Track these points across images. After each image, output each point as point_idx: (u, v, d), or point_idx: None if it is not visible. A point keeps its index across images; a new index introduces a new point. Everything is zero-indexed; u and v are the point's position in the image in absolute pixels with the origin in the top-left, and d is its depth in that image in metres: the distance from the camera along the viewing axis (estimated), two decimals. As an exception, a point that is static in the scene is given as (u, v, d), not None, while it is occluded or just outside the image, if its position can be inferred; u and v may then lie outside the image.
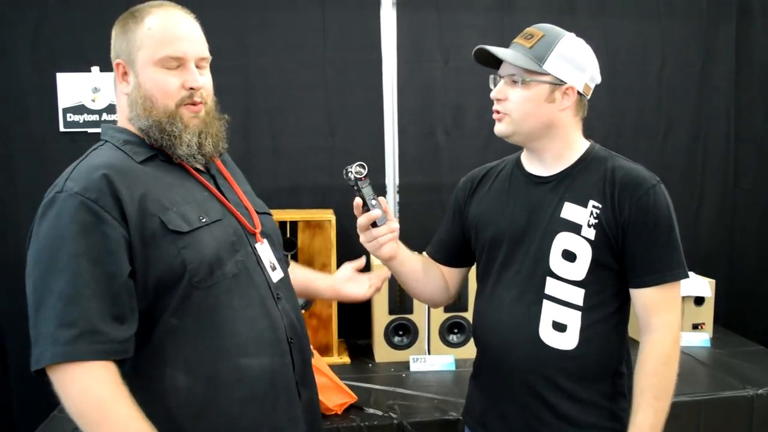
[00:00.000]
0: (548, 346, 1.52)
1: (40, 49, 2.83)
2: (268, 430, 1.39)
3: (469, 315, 2.70)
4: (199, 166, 1.45)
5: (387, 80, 3.03)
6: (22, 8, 2.80)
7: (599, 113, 3.01)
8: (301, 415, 1.46)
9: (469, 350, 2.73)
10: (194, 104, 1.40)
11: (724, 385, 2.41)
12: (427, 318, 2.74)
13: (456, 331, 2.76)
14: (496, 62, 1.60)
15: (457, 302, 2.63)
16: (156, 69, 1.36)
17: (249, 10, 2.91)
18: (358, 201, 1.51)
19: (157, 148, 1.39)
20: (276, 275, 1.48)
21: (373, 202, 1.51)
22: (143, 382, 1.29)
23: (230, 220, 1.43)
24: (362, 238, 1.56)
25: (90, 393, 1.21)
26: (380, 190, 3.00)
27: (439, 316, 2.73)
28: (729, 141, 3.34)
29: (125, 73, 1.39)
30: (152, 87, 1.36)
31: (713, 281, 2.91)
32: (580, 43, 1.56)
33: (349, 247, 2.91)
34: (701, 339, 2.85)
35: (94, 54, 2.84)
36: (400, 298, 2.70)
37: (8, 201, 2.86)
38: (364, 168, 1.50)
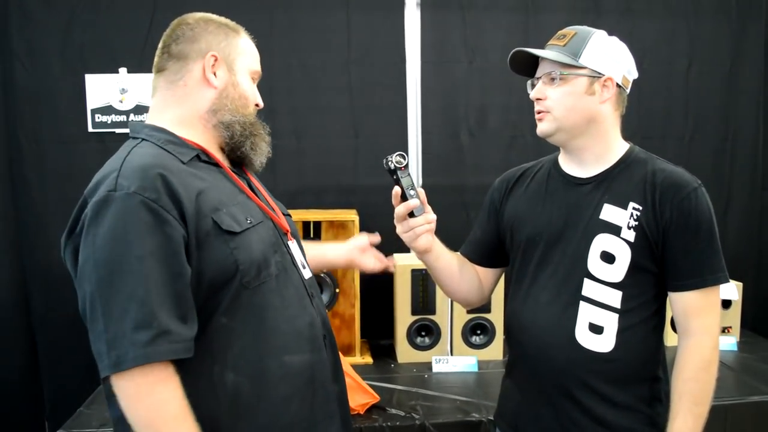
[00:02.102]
0: (584, 348, 1.51)
1: (69, 50, 2.88)
2: (307, 426, 1.42)
3: (491, 316, 2.71)
4: (236, 168, 1.50)
5: (411, 81, 3.03)
6: (51, 10, 2.85)
7: (625, 114, 2.98)
8: (336, 409, 1.49)
9: (492, 351, 2.74)
10: None
11: (751, 390, 2.38)
12: (449, 319, 2.74)
13: (479, 332, 2.76)
14: (530, 70, 1.61)
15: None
16: (249, 78, 1.50)
17: (274, 12, 2.94)
18: (396, 190, 1.51)
19: (197, 147, 1.41)
20: (306, 274, 1.52)
21: (412, 192, 1.51)
22: (192, 380, 1.29)
23: (268, 221, 1.46)
24: (399, 229, 1.55)
25: (157, 397, 1.21)
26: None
27: (462, 317, 2.72)
28: (757, 143, 3.29)
29: (213, 65, 1.44)
30: (248, 90, 1.49)
31: (740, 284, 2.87)
32: (614, 38, 1.57)
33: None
34: (728, 343, 2.81)
35: (122, 56, 2.89)
36: (423, 298, 2.71)
37: (39, 200, 2.92)
38: (404, 158, 1.51)
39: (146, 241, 1.22)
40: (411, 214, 1.52)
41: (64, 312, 2.93)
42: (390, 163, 1.50)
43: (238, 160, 1.50)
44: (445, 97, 3.07)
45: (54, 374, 3.02)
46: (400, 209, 1.52)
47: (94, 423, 2.17)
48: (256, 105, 1.52)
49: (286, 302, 1.41)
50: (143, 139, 1.40)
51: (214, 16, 1.49)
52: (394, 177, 1.51)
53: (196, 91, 1.44)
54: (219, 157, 1.46)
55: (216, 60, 1.44)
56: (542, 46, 1.60)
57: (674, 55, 3.17)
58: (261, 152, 1.51)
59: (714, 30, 3.18)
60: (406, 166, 1.51)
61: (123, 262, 1.21)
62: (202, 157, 1.42)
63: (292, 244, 1.51)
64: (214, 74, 1.44)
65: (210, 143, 1.45)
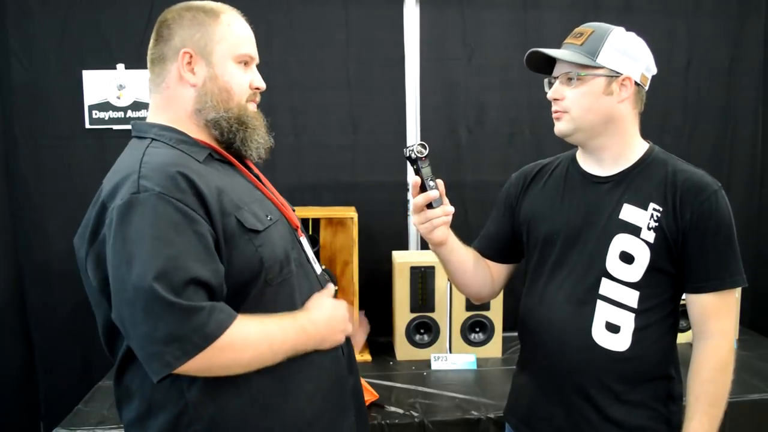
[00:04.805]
0: (600, 346, 1.52)
1: (66, 46, 2.86)
2: (327, 421, 1.41)
3: (491, 314, 2.71)
4: (248, 164, 1.49)
5: (410, 78, 3.02)
6: (48, 6, 2.83)
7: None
8: (351, 402, 1.49)
9: (491, 349, 2.74)
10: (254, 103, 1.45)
11: (750, 388, 2.39)
12: (448, 316, 2.73)
13: (478, 329, 2.75)
14: (547, 67, 1.60)
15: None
16: (233, 64, 1.40)
17: (272, 8, 2.92)
18: (416, 180, 1.49)
19: (209, 146, 1.38)
20: (318, 269, 1.51)
21: (431, 183, 1.49)
22: (215, 379, 1.28)
23: (283, 218, 1.45)
24: (415, 219, 1.54)
25: (247, 334, 1.24)
26: (402, 187, 3.00)
27: (461, 314, 2.72)
28: (756, 141, 3.28)
29: (189, 63, 1.37)
30: (231, 80, 1.39)
31: (739, 282, 2.87)
32: (632, 35, 1.56)
33: (371, 245, 2.93)
34: (727, 341, 2.81)
35: (119, 51, 2.87)
36: (421, 296, 2.70)
37: (35, 197, 2.90)
38: (425, 148, 1.49)
39: (178, 242, 1.19)
40: (429, 206, 1.51)
41: (60, 311, 2.92)
42: (411, 152, 1.49)
43: (237, 156, 1.45)
44: (444, 94, 3.06)
45: (50, 374, 3.01)
46: (418, 200, 1.50)
47: (92, 420, 2.16)
48: (257, 89, 1.45)
49: (305, 297, 1.41)
50: (153, 139, 1.36)
51: (194, 3, 1.42)
52: (414, 167, 1.49)
53: (177, 92, 1.39)
54: (229, 154, 1.44)
55: (191, 56, 1.37)
56: (541, 44, 1.59)
57: (673, 52, 3.16)
58: (256, 144, 1.44)
59: (713, 27, 3.17)
60: (427, 156, 1.49)
61: (157, 261, 1.17)
62: (214, 155, 1.39)
63: (303, 240, 1.50)
64: (193, 71, 1.38)
65: (212, 141, 1.41)
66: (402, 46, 3.01)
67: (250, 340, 1.25)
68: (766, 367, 2.60)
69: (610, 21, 1.59)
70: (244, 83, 1.41)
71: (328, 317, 1.40)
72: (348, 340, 1.52)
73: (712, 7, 3.16)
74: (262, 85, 1.45)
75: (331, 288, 1.48)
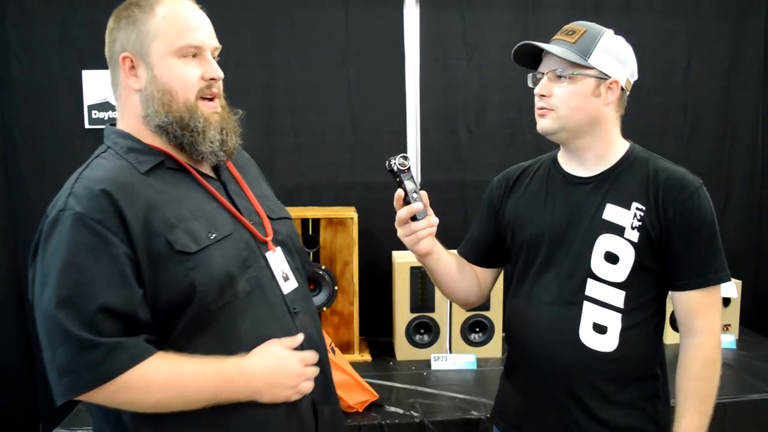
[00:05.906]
0: (588, 348, 1.51)
1: (66, 46, 2.86)
2: None
3: (490, 314, 2.71)
4: (207, 171, 1.39)
5: (410, 78, 3.02)
6: (48, 6, 2.83)
7: (624, 111, 2.98)
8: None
9: (491, 349, 2.73)
10: (211, 99, 1.33)
11: (750, 388, 2.38)
12: (448, 316, 2.73)
13: (478, 329, 2.75)
14: (532, 62, 1.59)
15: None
16: (174, 59, 1.28)
17: (273, 9, 2.91)
18: (399, 193, 1.47)
19: (164, 153, 1.32)
20: (288, 286, 1.39)
21: (415, 195, 1.47)
22: None
23: (241, 232, 1.34)
24: (400, 232, 1.52)
25: (151, 379, 1.18)
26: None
27: (461, 314, 2.72)
28: (756, 141, 3.28)
29: (133, 68, 1.30)
30: (171, 79, 1.28)
31: (739, 282, 2.87)
32: (620, 39, 1.55)
33: (371, 245, 2.92)
34: (727, 341, 2.80)
35: (119, 51, 2.86)
36: (422, 296, 2.70)
37: (35, 197, 2.90)
38: (407, 160, 1.47)
39: (90, 266, 1.16)
40: (413, 218, 1.48)
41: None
42: (393, 165, 1.46)
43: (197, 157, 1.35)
44: (444, 94, 3.06)
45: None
46: (402, 213, 1.48)
47: (92, 421, 2.15)
48: (211, 79, 1.31)
49: (258, 323, 1.30)
50: (108, 147, 1.33)
51: (129, 1, 1.32)
52: (397, 179, 1.47)
53: (128, 99, 1.33)
54: (187, 160, 1.34)
55: (132, 60, 1.29)
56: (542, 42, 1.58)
57: (673, 52, 3.16)
58: (209, 148, 1.32)
59: (713, 27, 3.17)
60: (409, 168, 1.47)
61: (67, 285, 1.16)
62: (168, 163, 1.31)
63: (273, 254, 1.38)
64: (136, 76, 1.30)
65: (168, 147, 1.32)
66: (402, 47, 3.00)
67: (155, 385, 1.19)
68: (766, 367, 2.60)
69: (611, 21, 1.59)
70: (191, 78, 1.29)
71: (268, 370, 1.27)
72: (324, 369, 1.41)
73: (712, 7, 3.16)
74: (217, 74, 1.32)
75: (299, 337, 1.33)
